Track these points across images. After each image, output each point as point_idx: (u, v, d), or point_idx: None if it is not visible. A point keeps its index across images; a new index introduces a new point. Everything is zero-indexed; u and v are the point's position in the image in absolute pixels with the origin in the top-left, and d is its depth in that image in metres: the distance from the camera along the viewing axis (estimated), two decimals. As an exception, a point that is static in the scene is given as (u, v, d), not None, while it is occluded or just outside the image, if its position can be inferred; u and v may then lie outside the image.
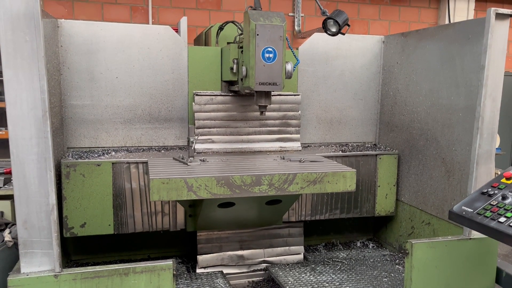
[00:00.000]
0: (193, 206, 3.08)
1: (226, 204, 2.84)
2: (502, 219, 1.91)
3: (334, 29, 3.00)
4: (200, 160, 2.82)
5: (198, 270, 3.19)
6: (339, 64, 3.57)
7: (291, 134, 3.37)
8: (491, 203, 2.04)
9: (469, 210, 2.06)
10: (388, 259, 3.46)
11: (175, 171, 2.54)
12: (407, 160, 3.43)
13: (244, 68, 2.71)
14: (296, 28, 6.59)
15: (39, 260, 2.15)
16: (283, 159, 2.97)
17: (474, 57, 2.74)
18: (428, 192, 3.22)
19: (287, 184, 2.54)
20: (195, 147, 2.90)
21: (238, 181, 2.47)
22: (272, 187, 2.52)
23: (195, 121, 3.16)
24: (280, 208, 3.08)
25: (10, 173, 3.99)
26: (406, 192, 3.47)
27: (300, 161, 2.88)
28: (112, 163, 2.91)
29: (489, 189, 2.12)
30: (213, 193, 2.44)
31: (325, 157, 3.16)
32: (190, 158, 2.78)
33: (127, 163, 2.95)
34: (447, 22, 3.14)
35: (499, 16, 2.52)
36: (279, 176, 2.53)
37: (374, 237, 3.94)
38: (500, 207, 1.98)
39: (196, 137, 2.90)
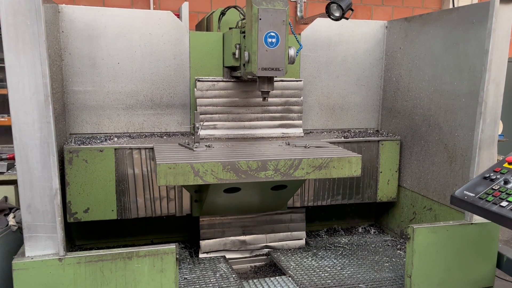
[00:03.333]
0: (199, 192, 3.10)
1: (232, 189, 2.85)
2: (504, 203, 1.92)
3: (337, 14, 2.98)
4: (206, 145, 2.82)
5: (201, 255, 3.21)
6: (342, 49, 3.54)
7: (293, 120, 3.37)
8: (493, 187, 2.04)
9: (471, 194, 2.06)
10: (390, 244, 3.48)
11: (181, 156, 2.55)
12: (409, 146, 3.43)
13: (246, 54, 2.70)
14: (298, 13, 6.54)
15: (43, 244, 2.17)
16: (288, 144, 2.98)
17: (478, 41, 2.72)
18: (430, 178, 3.22)
19: (292, 169, 2.55)
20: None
21: (244, 166, 2.47)
22: (278, 172, 2.53)
23: (197, 107, 3.15)
24: (285, 194, 3.09)
25: (13, 158, 4.02)
26: (408, 178, 3.48)
27: (305, 146, 2.88)
28: (115, 149, 2.92)
29: (491, 174, 2.12)
30: (219, 178, 2.45)
31: (328, 143, 3.16)
32: (196, 144, 2.79)
33: (130, 149, 2.95)
34: (451, 7, 3.10)
35: (504, 0, 2.49)
36: (285, 161, 2.53)
37: (376, 222, 3.96)
38: (502, 192, 1.99)
39: (201, 123, 2.90)
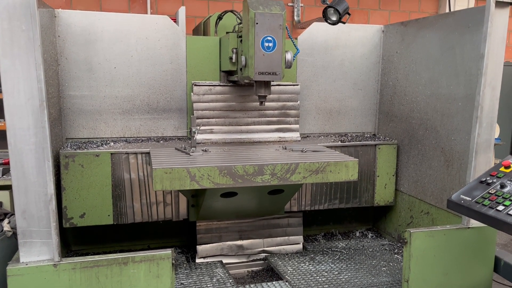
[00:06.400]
0: (196, 196, 3.09)
1: (229, 194, 2.84)
2: (500, 208, 1.92)
3: (334, 18, 2.98)
4: (202, 150, 2.82)
5: (198, 260, 3.20)
6: (339, 54, 3.55)
7: (290, 124, 3.36)
8: (490, 191, 2.04)
9: (468, 198, 2.06)
10: (387, 248, 3.47)
11: (177, 161, 2.54)
12: (406, 150, 3.43)
13: (243, 58, 2.69)
14: (295, 18, 6.56)
15: (38, 250, 2.16)
16: (285, 149, 2.97)
17: (474, 45, 2.72)
18: (427, 182, 3.22)
19: (289, 173, 2.54)
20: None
21: (241, 171, 2.47)
22: (275, 177, 2.52)
23: (194, 111, 3.15)
24: (282, 198, 3.09)
25: (8, 163, 3.99)
26: (405, 182, 3.47)
27: (302, 151, 2.88)
28: (111, 154, 2.91)
29: (488, 178, 2.12)
30: (215, 183, 2.44)
31: (324, 147, 3.15)
32: (192, 148, 2.78)
33: (126, 153, 2.94)
34: (447, 11, 3.12)
35: (499, 4, 2.50)
36: (282, 165, 2.53)
37: (373, 227, 3.95)
38: (499, 196, 1.98)
39: (198, 127, 2.90)
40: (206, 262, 3.18)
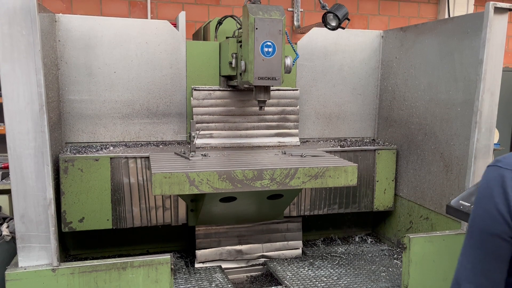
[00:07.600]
0: (195, 201, 3.09)
1: (228, 198, 2.84)
2: (499, 213, 1.91)
3: (334, 23, 2.99)
4: (202, 154, 2.82)
5: (197, 265, 3.19)
6: (338, 59, 3.56)
7: (289, 129, 3.37)
8: (489, 197, 2.03)
9: (467, 204, 2.05)
10: (387, 253, 3.46)
11: (177, 165, 2.54)
12: (405, 155, 3.43)
13: (243, 63, 2.70)
14: (295, 23, 6.58)
15: (37, 254, 2.15)
16: (285, 153, 2.97)
17: (473, 51, 2.73)
18: (426, 187, 3.22)
19: (288, 178, 2.54)
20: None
21: (240, 176, 2.47)
22: (274, 182, 2.52)
23: (194, 116, 3.15)
24: (282, 203, 3.08)
25: (7, 167, 3.99)
26: (404, 187, 3.47)
27: (301, 155, 2.88)
28: (110, 158, 2.91)
29: (487, 183, 2.11)
30: (215, 188, 2.44)
31: (324, 152, 3.15)
32: (192, 153, 2.78)
33: (125, 158, 2.94)
34: (446, 17, 3.13)
35: (498, 10, 2.51)
36: (281, 170, 2.52)
37: (373, 232, 3.95)
38: (498, 201, 1.98)
39: (197, 132, 2.90)
40: (205, 267, 3.17)
